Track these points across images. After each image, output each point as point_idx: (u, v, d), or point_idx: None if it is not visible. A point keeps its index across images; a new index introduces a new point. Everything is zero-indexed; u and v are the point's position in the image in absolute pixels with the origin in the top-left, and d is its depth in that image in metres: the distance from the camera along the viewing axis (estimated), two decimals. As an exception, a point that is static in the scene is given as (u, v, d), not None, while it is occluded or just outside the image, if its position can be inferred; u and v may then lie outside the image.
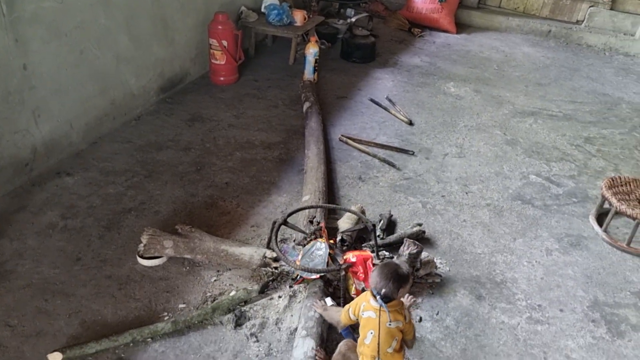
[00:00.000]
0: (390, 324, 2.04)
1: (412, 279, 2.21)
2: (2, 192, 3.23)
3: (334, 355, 2.25)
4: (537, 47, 6.69)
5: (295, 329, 2.52)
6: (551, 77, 5.81)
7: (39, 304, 2.57)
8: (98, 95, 3.80)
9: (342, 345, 2.26)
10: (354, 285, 2.70)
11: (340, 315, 2.24)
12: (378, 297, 2.05)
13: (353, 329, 2.41)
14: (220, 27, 4.62)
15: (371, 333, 2.05)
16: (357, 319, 2.15)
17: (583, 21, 6.95)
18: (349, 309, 2.18)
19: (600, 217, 3.51)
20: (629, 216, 3.19)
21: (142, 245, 2.80)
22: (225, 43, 4.66)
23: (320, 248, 2.72)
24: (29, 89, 3.23)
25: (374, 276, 2.10)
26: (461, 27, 7.11)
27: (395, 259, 2.85)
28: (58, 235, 2.99)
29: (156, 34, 4.24)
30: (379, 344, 2.01)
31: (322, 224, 2.85)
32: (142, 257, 2.83)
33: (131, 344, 2.40)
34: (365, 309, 2.10)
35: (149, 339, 2.43)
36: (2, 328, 2.43)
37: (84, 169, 3.55)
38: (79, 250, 2.90)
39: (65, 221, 3.09)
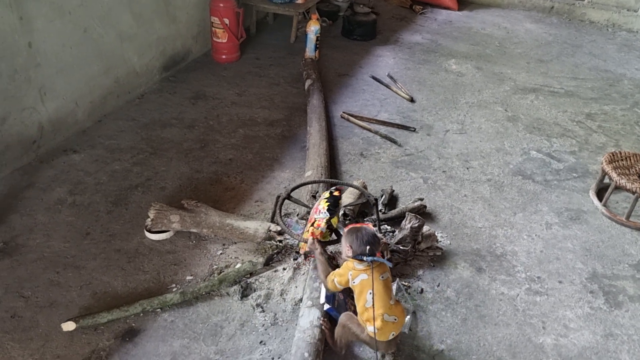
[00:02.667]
0: (382, 277, 2.14)
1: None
2: (11, 168, 3.29)
3: (336, 327, 2.30)
4: (539, 23, 6.67)
5: (300, 300, 2.59)
6: (553, 53, 5.80)
7: (51, 276, 2.64)
8: (102, 74, 3.83)
9: (342, 317, 2.30)
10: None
11: (327, 279, 2.27)
12: (365, 257, 2.13)
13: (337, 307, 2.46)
14: (221, 4, 4.62)
15: (370, 293, 2.11)
16: (346, 287, 2.21)
17: (586, -3, 6.91)
18: (333, 278, 2.22)
19: (600, 192, 3.56)
20: (628, 190, 3.24)
21: (149, 219, 2.86)
22: (226, 21, 4.66)
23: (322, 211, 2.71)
24: (34, 67, 3.26)
25: (351, 243, 2.17)
26: (463, 3, 7.08)
27: (396, 234, 2.91)
28: (67, 210, 3.05)
29: (158, 11, 4.25)
30: (378, 299, 2.11)
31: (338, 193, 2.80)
32: (149, 231, 2.89)
33: (141, 314, 2.48)
34: (354, 275, 2.15)
35: (159, 309, 2.51)
36: (17, 299, 2.51)
37: (90, 146, 3.60)
38: (88, 225, 2.96)
39: (73, 197, 3.15)
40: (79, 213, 3.04)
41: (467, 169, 3.76)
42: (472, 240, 3.12)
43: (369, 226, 2.26)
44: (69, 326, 2.35)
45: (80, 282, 2.63)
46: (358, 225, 2.29)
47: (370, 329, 2.12)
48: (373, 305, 2.10)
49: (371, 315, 2.10)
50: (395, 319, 2.14)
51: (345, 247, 2.22)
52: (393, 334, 2.15)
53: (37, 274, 2.65)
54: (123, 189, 3.26)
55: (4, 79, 3.10)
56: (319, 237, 2.55)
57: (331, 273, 2.26)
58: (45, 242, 2.83)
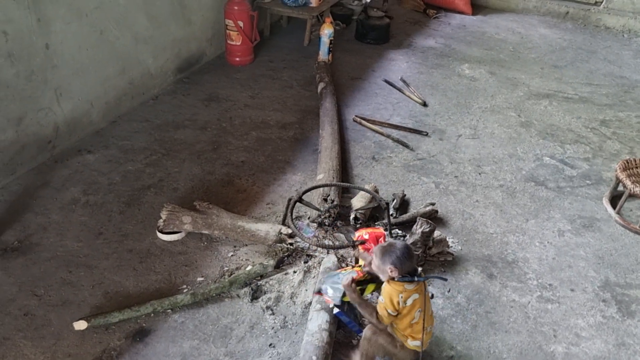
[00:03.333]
0: (427, 292, 2.13)
1: None
2: (27, 168, 3.33)
3: (361, 341, 2.27)
4: (554, 28, 6.62)
5: (310, 303, 2.59)
6: (568, 59, 5.76)
7: (64, 275, 2.67)
8: (117, 75, 3.87)
9: (367, 332, 2.24)
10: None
11: (382, 319, 2.14)
12: (417, 278, 2.06)
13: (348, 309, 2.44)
14: (236, 7, 4.65)
15: (419, 311, 2.08)
16: (399, 312, 2.11)
17: (602, 2, 6.84)
18: (386, 313, 2.09)
19: (614, 200, 3.52)
20: (642, 198, 3.20)
21: (161, 220, 2.89)
22: (241, 24, 4.69)
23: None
24: (51, 68, 3.31)
25: (395, 263, 2.02)
26: (477, 8, 7.05)
27: (407, 238, 2.91)
28: (80, 210, 3.09)
29: (174, 14, 4.28)
30: (427, 315, 2.12)
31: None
32: (161, 232, 2.92)
33: (152, 314, 2.50)
34: (406, 297, 2.05)
35: (169, 310, 2.53)
36: (30, 297, 2.54)
37: (104, 146, 3.64)
38: (100, 225, 2.99)
39: (87, 197, 3.18)
40: (92, 213, 3.07)
41: (479, 174, 3.75)
42: (483, 246, 3.10)
43: (397, 241, 2.18)
44: (80, 325, 2.38)
45: (92, 281, 2.66)
46: (386, 242, 2.16)
47: (414, 343, 2.13)
48: (424, 322, 2.09)
49: (415, 330, 2.10)
50: (431, 328, 2.19)
51: (386, 269, 2.05)
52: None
53: (51, 272, 2.68)
54: (136, 189, 3.29)
55: (21, 79, 3.14)
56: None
57: (378, 307, 2.13)
58: (58, 241, 2.87)
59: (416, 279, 2.06)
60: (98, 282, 2.65)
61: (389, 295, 2.07)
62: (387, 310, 2.09)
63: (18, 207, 3.07)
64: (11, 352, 2.29)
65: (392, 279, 2.06)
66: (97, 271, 2.71)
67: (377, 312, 2.14)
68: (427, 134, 4.15)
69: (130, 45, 3.92)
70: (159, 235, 2.93)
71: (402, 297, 2.05)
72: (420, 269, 2.12)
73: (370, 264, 2.17)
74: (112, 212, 3.10)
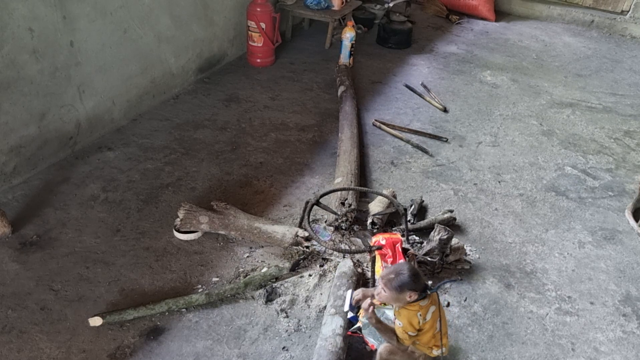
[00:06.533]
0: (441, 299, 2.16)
1: None
2: (48, 163, 3.37)
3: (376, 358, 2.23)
4: (578, 37, 6.52)
5: (324, 307, 2.58)
6: (592, 68, 5.66)
7: (81, 271, 2.69)
8: (139, 74, 3.90)
9: (382, 351, 2.20)
10: (382, 268, 2.73)
11: (403, 342, 2.11)
12: (429, 290, 2.05)
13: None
14: (258, 9, 4.66)
15: (438, 321, 2.08)
16: (421, 329, 2.10)
17: (628, 11, 6.72)
18: (406, 334, 2.07)
19: (637, 212, 3.45)
20: (667, 212, 3.13)
21: (178, 219, 2.90)
22: (263, 25, 4.70)
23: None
24: (75, 65, 3.34)
25: (410, 287, 1.99)
26: (500, 14, 6.98)
27: (424, 245, 2.87)
28: (99, 206, 3.11)
29: (196, 14, 4.31)
30: (444, 323, 2.14)
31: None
32: (178, 231, 2.93)
33: (167, 313, 2.50)
34: (425, 313, 2.05)
35: (184, 309, 2.53)
36: (47, 292, 2.57)
37: (125, 144, 3.67)
38: (118, 222, 3.01)
39: (106, 194, 3.21)
40: (110, 210, 3.10)
41: (499, 182, 3.70)
42: (501, 256, 3.06)
43: (398, 265, 2.13)
44: (95, 321, 2.39)
45: (108, 278, 2.67)
46: (390, 270, 2.07)
47: (437, 352, 2.12)
48: (442, 328, 2.09)
49: (437, 339, 2.09)
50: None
51: (405, 297, 2.01)
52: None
53: (68, 268, 2.71)
54: (154, 187, 3.30)
55: (45, 76, 3.18)
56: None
57: (397, 331, 2.10)
58: (77, 237, 2.89)
59: (429, 292, 2.04)
60: (114, 279, 2.67)
61: (408, 319, 2.05)
62: (407, 333, 2.07)
63: (38, 201, 3.10)
64: (27, 346, 2.32)
65: (412, 301, 2.03)
66: (114, 268, 2.73)
67: (397, 336, 2.11)
68: (447, 140, 4.11)
69: (153, 44, 3.95)
70: (176, 234, 2.94)
71: (420, 315, 2.04)
72: (430, 282, 2.10)
73: (378, 296, 2.10)
74: (130, 209, 3.12)
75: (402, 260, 2.53)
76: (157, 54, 4.02)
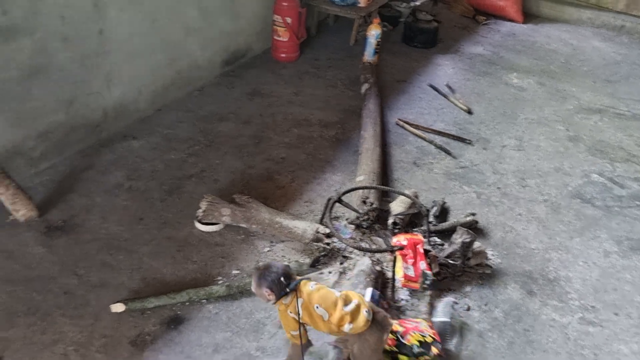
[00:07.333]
0: (311, 286, 2.06)
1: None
2: (74, 150, 3.41)
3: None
4: (608, 42, 6.40)
5: (343, 305, 2.56)
6: (622, 74, 5.55)
7: (104, 257, 2.72)
8: (166, 65, 3.92)
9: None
10: (402, 269, 2.71)
11: (293, 340, 2.12)
12: (289, 288, 1.99)
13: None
14: (285, 3, 4.65)
15: (317, 307, 2.01)
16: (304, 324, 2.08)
17: (661, 18, 6.58)
18: (290, 333, 2.09)
19: (664, 223, 3.38)
20: (696, 224, 3.06)
21: (201, 211, 2.91)
22: (289, 20, 4.69)
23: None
24: (103, 53, 3.37)
25: (269, 286, 1.98)
26: (529, 16, 6.87)
27: (446, 247, 2.85)
28: (123, 195, 3.14)
29: (224, 7, 4.32)
30: (327, 303, 2.04)
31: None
32: (200, 222, 2.94)
33: (187, 303, 2.52)
34: (293, 309, 2.02)
35: (204, 300, 2.54)
36: (71, 276, 2.60)
37: (149, 134, 3.69)
38: (142, 211, 3.04)
39: (130, 182, 3.24)
40: (134, 198, 3.12)
41: (523, 187, 3.65)
42: (524, 261, 3.02)
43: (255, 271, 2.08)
44: (118, 307, 2.42)
45: (131, 265, 2.70)
46: (257, 274, 2.04)
47: (349, 326, 1.98)
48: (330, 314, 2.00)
49: (336, 318, 1.98)
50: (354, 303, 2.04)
51: (263, 293, 2.01)
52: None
53: (92, 254, 2.73)
54: (177, 178, 3.32)
55: (75, 63, 3.21)
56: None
57: (287, 335, 2.13)
58: (101, 224, 2.92)
59: (288, 289, 1.98)
60: (137, 266, 2.69)
61: (284, 320, 2.07)
62: (290, 333, 2.08)
63: (64, 187, 3.14)
64: (51, 328, 2.35)
65: (271, 301, 2.02)
66: (137, 256, 2.75)
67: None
68: (470, 142, 4.06)
69: (180, 35, 3.96)
70: (198, 225, 2.95)
71: (290, 312, 2.02)
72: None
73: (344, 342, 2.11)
74: (154, 199, 3.14)
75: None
76: (184, 45, 4.03)
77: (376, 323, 2.05)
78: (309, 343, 2.19)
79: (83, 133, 3.44)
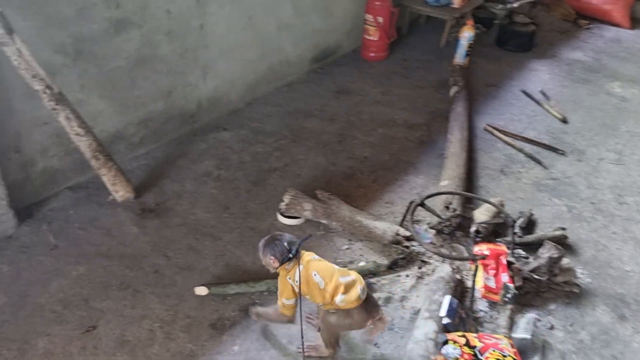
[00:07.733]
0: (314, 257, 2.16)
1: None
2: (170, 138, 3.61)
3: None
4: None
5: (419, 310, 2.54)
6: None
7: (191, 242, 2.86)
8: (258, 60, 4.05)
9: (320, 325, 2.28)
10: (483, 279, 2.64)
11: (285, 312, 2.19)
12: (292, 253, 2.07)
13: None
14: (377, 2, 4.65)
15: (315, 275, 2.08)
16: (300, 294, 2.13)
17: None
18: (282, 300, 2.16)
19: None
20: None
21: (283, 204, 2.98)
22: (380, 19, 4.68)
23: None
24: (202, 47, 3.54)
25: (273, 254, 2.09)
26: (636, 22, 6.39)
27: (530, 261, 2.73)
28: (212, 183, 3.28)
29: (317, 5, 4.38)
30: (325, 273, 2.11)
31: None
32: (282, 215, 3.01)
33: (266, 293, 2.59)
34: (292, 275, 2.10)
35: (282, 292, 2.60)
36: (160, 257, 2.76)
37: (239, 126, 3.83)
38: (228, 200, 3.16)
39: (219, 171, 3.38)
40: (222, 187, 3.26)
41: (620, 204, 3.41)
42: (616, 284, 2.83)
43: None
44: (201, 291, 2.54)
45: (215, 251, 2.82)
46: (262, 243, 2.17)
47: (341, 297, 2.04)
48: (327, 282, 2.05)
49: (331, 289, 2.04)
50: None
51: (269, 261, 2.12)
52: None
53: (180, 237, 2.89)
54: (263, 170, 3.43)
55: (176, 56, 3.39)
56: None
57: (279, 303, 2.18)
58: (189, 209, 3.07)
59: (290, 255, 2.06)
60: (221, 253, 2.81)
61: (281, 285, 2.14)
62: (282, 300, 2.14)
63: (158, 172, 3.34)
64: (140, 304, 2.51)
65: (277, 268, 2.12)
66: (221, 243, 2.87)
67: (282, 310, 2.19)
68: (563, 153, 3.86)
69: (274, 32, 4.07)
70: (280, 217, 3.03)
71: (290, 279, 2.10)
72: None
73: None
74: (240, 189, 3.26)
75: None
76: (276, 41, 4.14)
77: (368, 305, 2.11)
78: (294, 320, 2.25)
79: (178, 122, 3.63)
